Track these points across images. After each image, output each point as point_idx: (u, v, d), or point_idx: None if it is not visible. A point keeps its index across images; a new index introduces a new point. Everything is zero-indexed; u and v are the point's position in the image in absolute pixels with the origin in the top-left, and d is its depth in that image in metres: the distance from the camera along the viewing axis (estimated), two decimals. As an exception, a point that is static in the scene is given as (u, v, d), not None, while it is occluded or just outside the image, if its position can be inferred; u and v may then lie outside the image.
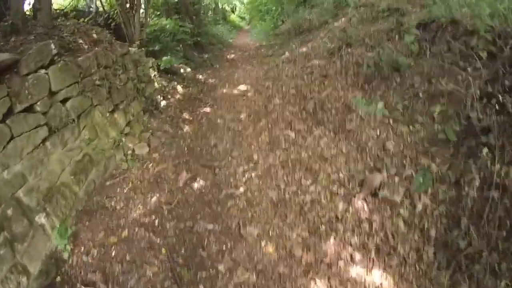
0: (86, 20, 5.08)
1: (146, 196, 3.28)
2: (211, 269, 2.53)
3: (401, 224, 2.65)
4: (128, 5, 5.95)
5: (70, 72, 3.09)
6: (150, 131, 4.52)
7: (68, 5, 5.97)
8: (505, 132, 2.56)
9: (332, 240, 2.66)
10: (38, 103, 2.65)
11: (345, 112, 4.16)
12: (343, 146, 3.63)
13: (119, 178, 3.51)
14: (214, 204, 3.13)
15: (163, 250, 2.67)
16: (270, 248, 2.64)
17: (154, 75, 5.70)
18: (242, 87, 6.53)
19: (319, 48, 6.86)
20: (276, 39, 10.75)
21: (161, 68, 5.81)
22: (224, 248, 2.68)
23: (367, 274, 2.36)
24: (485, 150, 2.55)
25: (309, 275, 2.41)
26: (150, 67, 5.37)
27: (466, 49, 3.57)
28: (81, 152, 3.20)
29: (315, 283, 2.35)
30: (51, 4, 4.06)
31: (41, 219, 2.59)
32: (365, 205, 2.91)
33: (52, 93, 2.84)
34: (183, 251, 2.67)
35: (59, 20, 3.91)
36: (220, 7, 19.16)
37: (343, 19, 7.68)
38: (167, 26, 7.17)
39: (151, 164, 3.79)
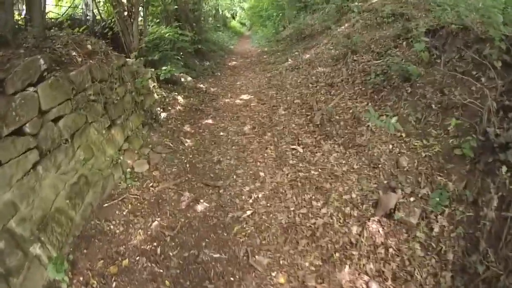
0: (81, 30, 4.88)
1: (147, 219, 3.08)
2: (218, 304, 2.34)
3: (417, 247, 2.54)
4: (126, 13, 5.76)
5: (61, 88, 2.88)
6: (150, 146, 4.32)
7: (64, 13, 5.78)
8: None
9: (347, 268, 2.51)
10: (27, 124, 2.45)
11: (354, 125, 3.98)
12: (354, 162, 3.45)
13: (118, 199, 3.30)
14: (220, 229, 2.93)
15: (167, 283, 2.47)
16: (282, 279, 2.47)
17: (154, 86, 5.51)
18: (245, 97, 6.37)
19: (323, 55, 6.71)
20: (278, 45, 10.65)
21: (161, 78, 5.62)
22: (232, 279, 2.48)
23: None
24: (504, 168, 2.46)
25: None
26: (149, 78, 5.18)
27: (479, 58, 3.41)
28: (76, 174, 3.01)
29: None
30: (43, 14, 3.84)
31: (36, 249, 2.40)
32: (380, 228, 2.76)
33: (42, 113, 2.64)
34: (188, 283, 2.47)
35: (52, 30, 3.68)
36: (220, 13, 19.07)
37: (346, 24, 7.54)
38: (167, 34, 6.97)
39: (151, 183, 3.58)
